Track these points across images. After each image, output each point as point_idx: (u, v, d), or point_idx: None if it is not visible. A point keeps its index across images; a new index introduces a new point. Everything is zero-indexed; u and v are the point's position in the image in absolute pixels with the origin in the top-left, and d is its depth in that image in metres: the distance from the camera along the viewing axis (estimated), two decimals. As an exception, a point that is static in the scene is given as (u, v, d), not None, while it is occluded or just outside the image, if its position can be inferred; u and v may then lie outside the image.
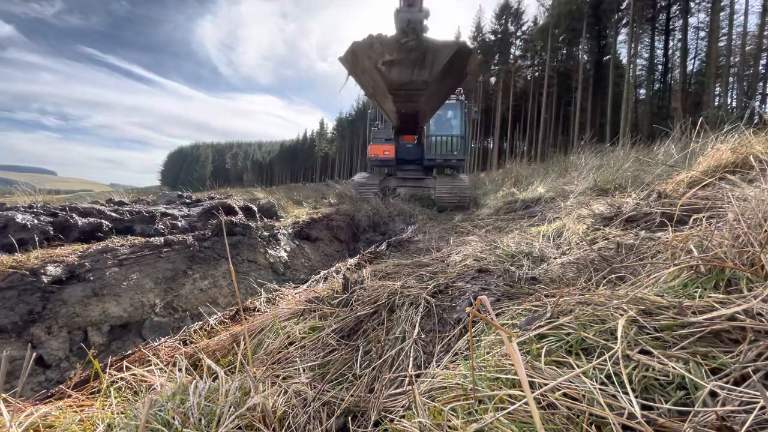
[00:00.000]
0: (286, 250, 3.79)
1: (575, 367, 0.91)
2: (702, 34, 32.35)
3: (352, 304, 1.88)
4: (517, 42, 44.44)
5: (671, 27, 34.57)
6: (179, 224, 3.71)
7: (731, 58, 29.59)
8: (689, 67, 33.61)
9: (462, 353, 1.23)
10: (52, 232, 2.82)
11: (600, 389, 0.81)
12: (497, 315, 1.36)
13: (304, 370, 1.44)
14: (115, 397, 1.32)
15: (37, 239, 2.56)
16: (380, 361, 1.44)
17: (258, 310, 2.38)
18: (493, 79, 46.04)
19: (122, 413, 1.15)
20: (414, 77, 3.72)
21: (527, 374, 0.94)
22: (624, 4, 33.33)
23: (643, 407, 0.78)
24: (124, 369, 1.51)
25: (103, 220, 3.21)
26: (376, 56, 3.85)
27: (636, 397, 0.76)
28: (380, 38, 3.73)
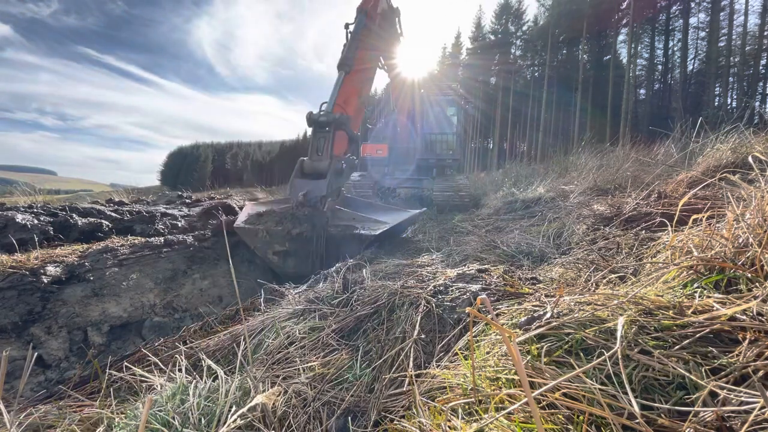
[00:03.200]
0: (286, 250, 3.79)
1: (575, 367, 0.91)
2: (702, 34, 32.35)
3: (352, 304, 1.88)
4: (517, 42, 44.43)
5: (671, 27, 34.57)
6: (179, 224, 3.71)
7: (731, 58, 29.59)
8: (689, 67, 33.61)
9: (462, 353, 1.23)
10: (52, 232, 2.82)
11: (600, 389, 0.81)
12: (497, 315, 1.36)
13: (304, 370, 1.44)
14: (115, 397, 1.32)
15: (37, 239, 2.56)
16: (380, 361, 1.44)
17: (258, 310, 2.38)
18: (493, 79, 46.02)
19: (122, 413, 1.15)
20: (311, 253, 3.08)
21: (527, 374, 0.94)
22: (624, 4, 33.32)
23: (643, 407, 0.78)
24: (124, 369, 1.51)
25: (103, 220, 3.21)
26: (264, 246, 3.21)
27: (636, 397, 0.76)
28: (267, 228, 3.14)
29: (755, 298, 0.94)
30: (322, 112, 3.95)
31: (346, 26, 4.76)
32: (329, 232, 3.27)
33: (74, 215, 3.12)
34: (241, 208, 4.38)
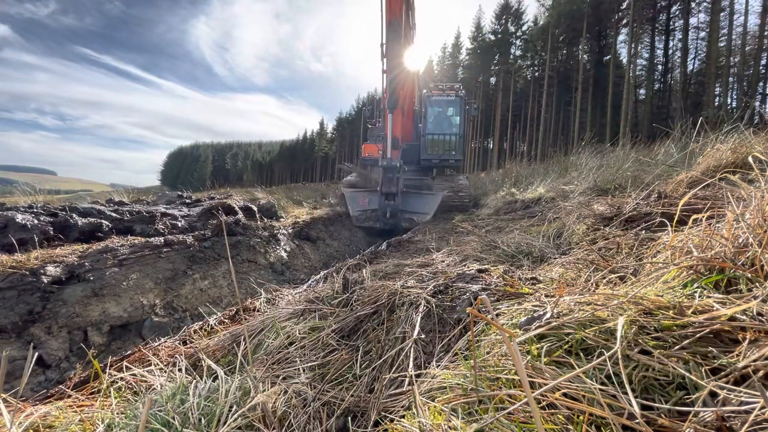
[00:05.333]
0: (286, 250, 3.79)
1: (575, 367, 0.91)
2: (702, 34, 32.34)
3: (352, 304, 1.88)
4: (517, 42, 44.41)
5: (671, 27, 34.57)
6: (179, 224, 3.71)
7: (731, 58, 29.59)
8: (689, 67, 33.61)
9: (462, 353, 1.23)
10: (52, 232, 2.82)
11: (600, 389, 0.81)
12: (497, 315, 1.36)
13: (304, 370, 1.44)
14: (115, 397, 1.32)
15: (37, 239, 2.56)
16: (380, 361, 1.44)
17: (258, 310, 2.38)
18: (493, 79, 46.01)
19: (122, 413, 1.15)
20: None
21: (527, 374, 0.94)
22: (624, 4, 33.31)
23: (643, 407, 0.78)
24: (124, 369, 1.51)
25: (103, 220, 3.21)
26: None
27: (636, 397, 0.76)
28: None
29: (755, 298, 0.94)
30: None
31: (381, 47, 4.96)
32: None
33: (74, 215, 3.12)
34: (241, 208, 4.40)
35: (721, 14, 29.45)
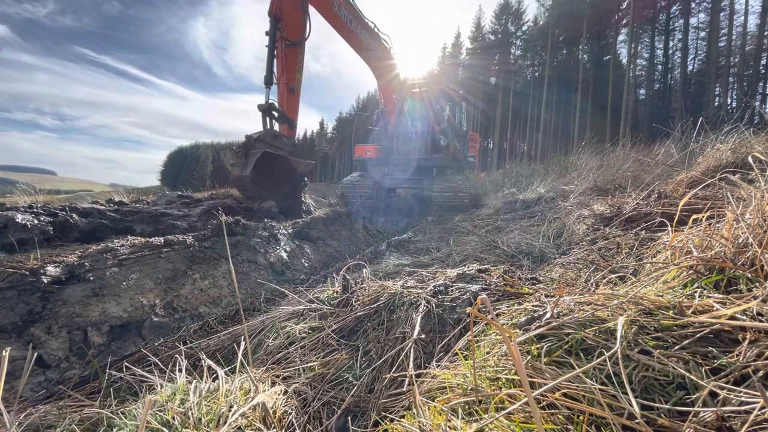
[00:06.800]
0: (286, 250, 3.79)
1: (575, 367, 0.91)
2: (702, 34, 32.35)
3: (352, 304, 1.88)
4: (517, 42, 44.41)
5: (671, 27, 34.58)
6: (179, 224, 3.70)
7: (731, 58, 29.59)
8: (689, 67, 33.60)
9: (462, 353, 1.23)
10: (52, 232, 2.82)
11: (600, 389, 0.81)
12: (497, 315, 1.36)
13: (304, 370, 1.44)
14: (115, 397, 1.32)
15: (37, 239, 2.56)
16: (380, 361, 1.44)
17: (258, 310, 2.38)
18: (493, 79, 46.01)
19: (122, 413, 1.15)
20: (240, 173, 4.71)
21: (527, 374, 0.94)
22: (624, 4, 33.33)
23: (643, 407, 0.78)
24: (124, 369, 1.51)
25: (103, 220, 3.21)
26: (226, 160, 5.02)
27: (636, 397, 0.76)
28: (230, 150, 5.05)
29: (755, 298, 0.94)
30: None
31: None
32: None
33: (74, 215, 3.12)
34: (241, 208, 4.40)
35: (721, 14, 29.47)
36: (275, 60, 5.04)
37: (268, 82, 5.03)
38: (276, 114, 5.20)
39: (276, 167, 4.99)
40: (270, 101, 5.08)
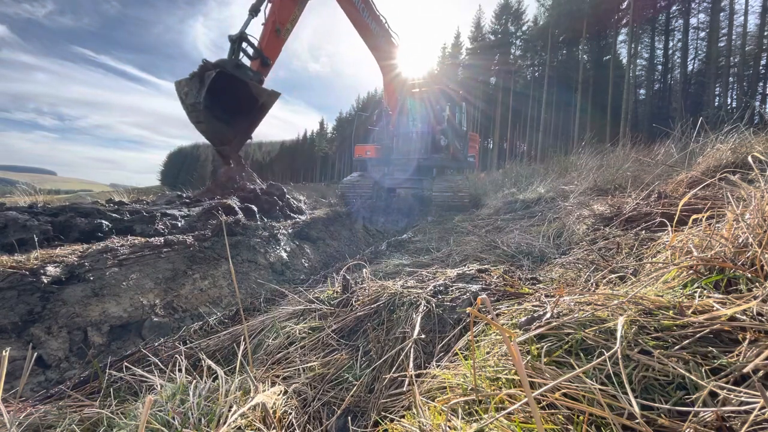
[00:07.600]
0: (286, 250, 3.79)
1: (575, 367, 0.91)
2: (702, 34, 32.35)
3: (352, 304, 1.88)
4: (517, 42, 44.41)
5: (671, 27, 34.58)
6: (179, 224, 3.71)
7: (731, 58, 29.60)
8: (689, 67, 33.61)
9: (462, 353, 1.23)
10: (52, 232, 2.82)
11: (600, 389, 0.81)
12: (497, 315, 1.36)
13: (304, 370, 1.44)
14: (115, 397, 1.32)
15: (37, 239, 2.56)
16: (380, 361, 1.44)
17: (258, 310, 2.38)
18: (493, 79, 46.01)
19: (122, 413, 1.15)
20: (194, 100, 4.28)
21: (527, 374, 0.94)
22: (624, 4, 33.34)
23: (643, 407, 0.78)
24: (124, 369, 1.51)
25: (103, 220, 3.21)
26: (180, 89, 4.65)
27: (636, 397, 0.76)
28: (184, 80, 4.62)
29: (755, 298, 0.94)
30: None
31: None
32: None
33: (74, 215, 3.12)
34: (241, 209, 4.40)
35: (721, 14, 29.47)
36: None
37: (255, 9, 4.52)
38: (249, 48, 4.59)
39: (234, 94, 4.42)
40: (246, 34, 4.46)
